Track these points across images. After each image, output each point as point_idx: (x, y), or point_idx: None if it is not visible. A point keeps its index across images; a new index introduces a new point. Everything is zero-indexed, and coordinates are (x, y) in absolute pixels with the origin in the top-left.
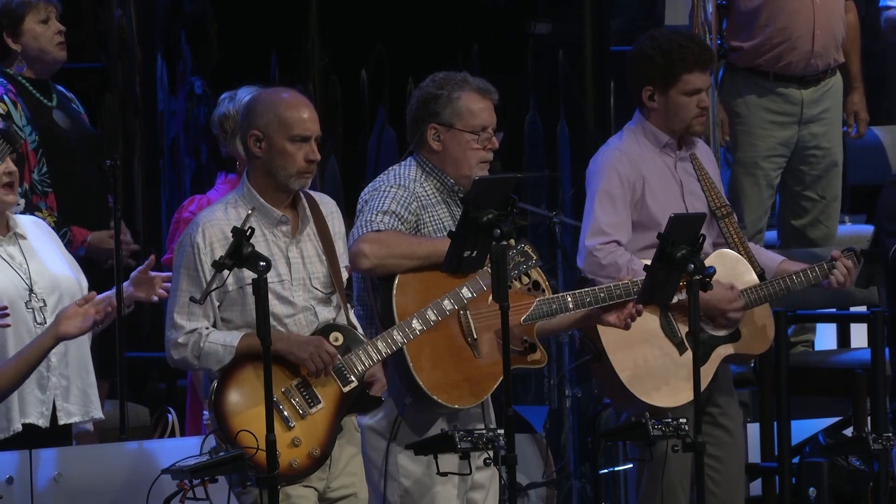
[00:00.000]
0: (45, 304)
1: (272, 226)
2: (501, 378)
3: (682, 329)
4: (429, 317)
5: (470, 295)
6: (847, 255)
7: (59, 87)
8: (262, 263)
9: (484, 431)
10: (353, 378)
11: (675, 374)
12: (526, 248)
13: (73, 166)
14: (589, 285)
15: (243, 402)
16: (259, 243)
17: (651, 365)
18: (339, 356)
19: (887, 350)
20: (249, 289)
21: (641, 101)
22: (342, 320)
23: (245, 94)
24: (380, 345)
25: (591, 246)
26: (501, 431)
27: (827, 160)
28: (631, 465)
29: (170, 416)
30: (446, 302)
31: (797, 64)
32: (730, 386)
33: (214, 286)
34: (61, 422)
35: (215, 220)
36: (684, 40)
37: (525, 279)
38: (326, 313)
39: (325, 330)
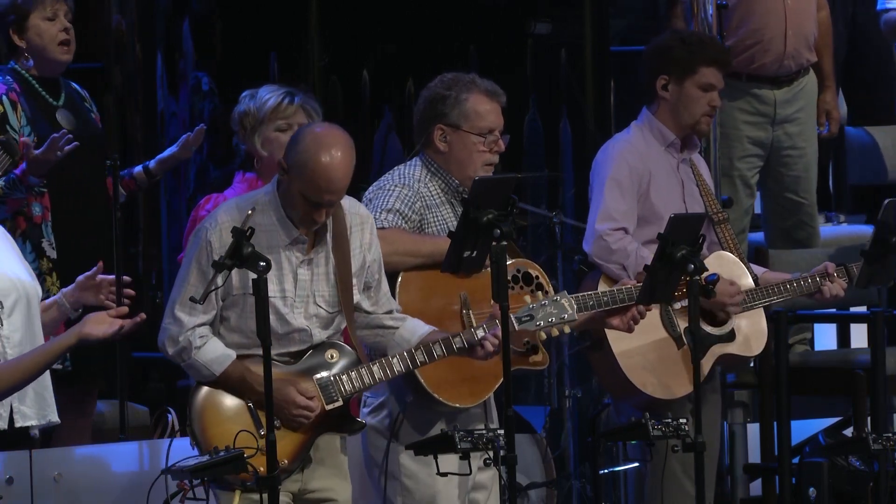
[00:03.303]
0: (3, 307)
1: (288, 240)
2: (502, 378)
3: (681, 324)
4: (435, 351)
5: (483, 334)
6: (840, 273)
7: (74, 86)
8: (261, 263)
9: (484, 432)
10: (338, 398)
11: (673, 367)
12: (563, 301)
13: (73, 167)
14: (589, 277)
15: (221, 406)
16: (272, 257)
17: (650, 356)
18: (320, 394)
19: None
20: (251, 298)
21: (654, 91)
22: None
23: (266, 94)
24: (375, 370)
25: (602, 230)
26: (501, 431)
27: (804, 160)
28: (637, 465)
29: (170, 416)
30: (457, 339)
31: (770, 65)
32: (717, 386)
33: (213, 287)
34: (17, 424)
35: (234, 222)
36: (706, 38)
37: (555, 332)
38: (322, 335)
39: (323, 346)
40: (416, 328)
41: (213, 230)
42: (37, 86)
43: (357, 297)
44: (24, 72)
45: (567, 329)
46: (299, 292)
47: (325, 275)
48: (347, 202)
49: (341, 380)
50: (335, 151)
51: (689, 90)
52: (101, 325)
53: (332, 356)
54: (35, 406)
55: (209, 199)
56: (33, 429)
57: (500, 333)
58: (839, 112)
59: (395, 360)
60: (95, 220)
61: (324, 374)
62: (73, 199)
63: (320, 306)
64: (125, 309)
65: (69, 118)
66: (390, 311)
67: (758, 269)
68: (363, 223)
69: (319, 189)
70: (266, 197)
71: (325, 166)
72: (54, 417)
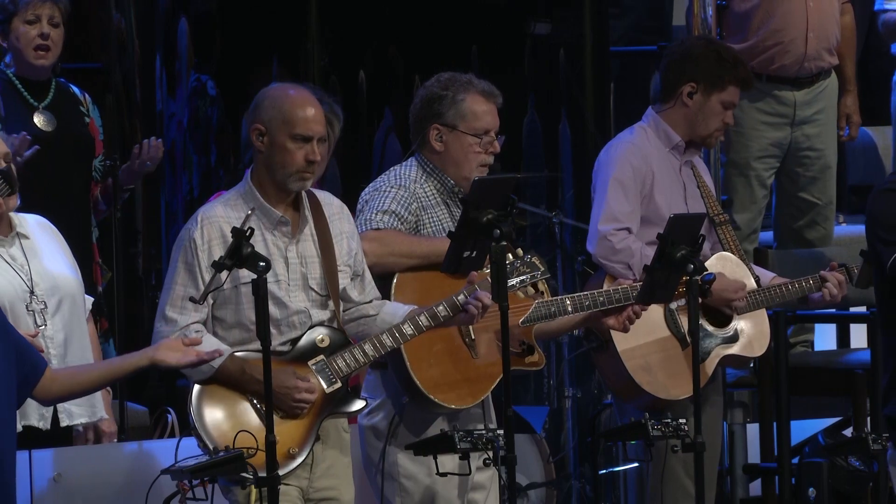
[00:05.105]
0: (46, 307)
1: (272, 226)
2: (499, 378)
3: (685, 324)
4: (421, 322)
5: (465, 299)
6: (840, 271)
7: (74, 89)
8: (261, 264)
9: (483, 432)
10: (336, 379)
11: (678, 368)
12: (533, 260)
13: (46, 167)
14: (592, 278)
15: (222, 403)
16: (258, 243)
17: (655, 357)
18: (317, 374)
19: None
20: (244, 288)
21: (674, 94)
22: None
23: None
24: (367, 347)
25: (606, 231)
26: (501, 432)
27: (821, 161)
28: (637, 465)
29: (170, 416)
30: (441, 307)
31: (790, 66)
32: (720, 387)
33: (213, 287)
34: (63, 423)
35: (214, 218)
36: (738, 55)
37: (531, 290)
38: (321, 315)
39: (312, 332)
40: (395, 310)
41: (194, 228)
42: (19, 86)
43: (346, 283)
44: (8, 72)
45: (542, 286)
46: (292, 275)
47: (314, 257)
48: (321, 194)
49: (335, 361)
50: (299, 90)
51: (713, 104)
52: (175, 352)
53: (322, 340)
54: (83, 404)
55: (219, 195)
56: (79, 425)
57: (482, 297)
58: (860, 116)
59: (384, 335)
60: (68, 222)
61: (318, 358)
62: (43, 199)
63: (313, 289)
64: (199, 339)
65: (49, 119)
66: (371, 301)
67: (759, 271)
68: (340, 213)
69: (306, 120)
70: (241, 189)
71: (300, 98)
72: (102, 413)
